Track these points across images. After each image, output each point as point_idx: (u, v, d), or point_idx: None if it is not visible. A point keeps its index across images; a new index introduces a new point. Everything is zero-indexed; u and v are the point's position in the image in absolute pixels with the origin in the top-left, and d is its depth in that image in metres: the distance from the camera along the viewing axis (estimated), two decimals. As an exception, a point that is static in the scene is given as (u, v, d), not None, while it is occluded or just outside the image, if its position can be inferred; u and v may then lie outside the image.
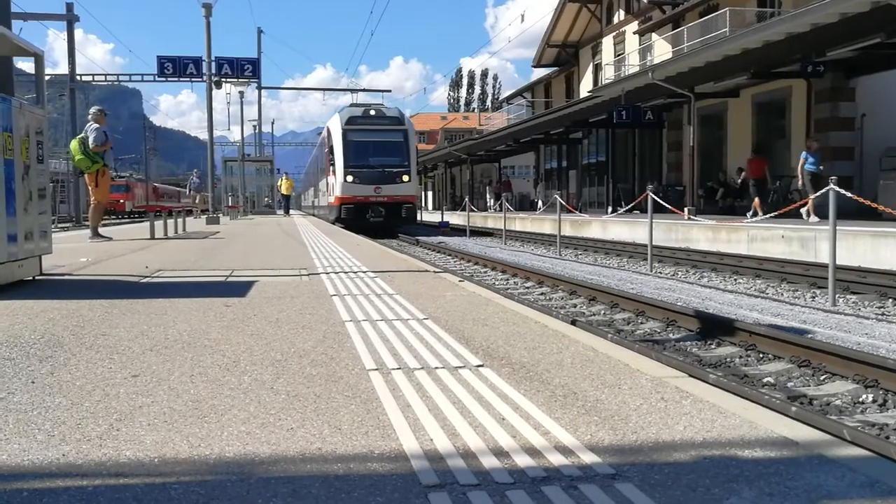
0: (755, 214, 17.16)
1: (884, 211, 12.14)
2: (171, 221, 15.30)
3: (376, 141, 24.81)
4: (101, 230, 12.62)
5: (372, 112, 25.72)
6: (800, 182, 16.29)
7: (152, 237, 13.23)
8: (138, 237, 13.52)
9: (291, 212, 37.66)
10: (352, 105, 27.69)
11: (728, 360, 5.79)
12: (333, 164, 25.05)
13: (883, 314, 7.89)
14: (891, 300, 8.68)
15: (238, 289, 5.85)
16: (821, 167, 16.04)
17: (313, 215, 37.03)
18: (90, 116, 12.12)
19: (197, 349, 3.55)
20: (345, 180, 24.22)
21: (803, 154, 16.17)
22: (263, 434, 2.30)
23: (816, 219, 15.01)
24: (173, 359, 3.34)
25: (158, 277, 6.76)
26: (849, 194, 9.34)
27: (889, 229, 11.90)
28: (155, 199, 54.89)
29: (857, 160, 19.08)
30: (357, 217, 24.01)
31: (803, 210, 15.20)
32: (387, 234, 23.72)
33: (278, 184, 37.76)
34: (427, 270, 7.79)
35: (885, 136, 17.92)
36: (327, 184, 27.39)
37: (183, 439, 2.24)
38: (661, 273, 12.39)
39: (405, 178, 24.57)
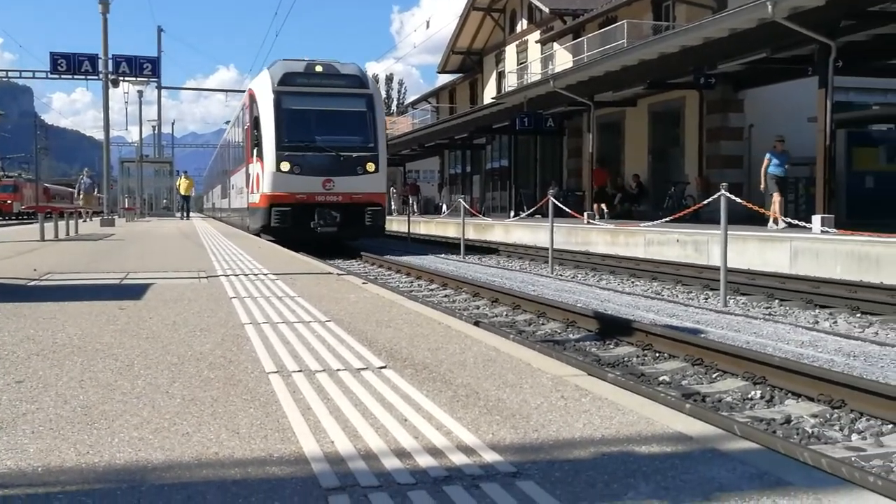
0: (602, 217, 20.24)
1: (770, 216, 12.83)
2: (62, 223, 14.60)
3: (327, 110, 16.88)
4: (-17, 231, 11.92)
5: (318, 68, 16.96)
6: (762, 185, 14.58)
7: (42, 239, 12.59)
8: (27, 239, 12.83)
9: (192, 215, 36.38)
10: (286, 60, 17.65)
11: (626, 359, 5.96)
12: (259, 146, 16.55)
13: (770, 314, 8.30)
14: (777, 301, 9.14)
15: (133, 292, 5.64)
16: (786, 168, 14.52)
17: (221, 219, 31.62)
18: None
19: (88, 353, 3.39)
20: (277, 169, 16.01)
21: (767, 155, 14.61)
22: (157, 439, 2.21)
23: (784, 225, 13.32)
24: (62, 364, 3.18)
25: (48, 280, 6.44)
26: (739, 200, 9.78)
27: (775, 234, 12.56)
28: (46, 199, 52.19)
29: (746, 168, 20.02)
30: (296, 225, 15.97)
31: (771, 218, 13.67)
32: (344, 253, 16.70)
33: (177, 184, 36.38)
34: (330, 273, 7.71)
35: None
36: (247, 176, 18.83)
37: (70, 447, 2.13)
38: (561, 275, 12.65)
39: (370, 166, 16.55)
